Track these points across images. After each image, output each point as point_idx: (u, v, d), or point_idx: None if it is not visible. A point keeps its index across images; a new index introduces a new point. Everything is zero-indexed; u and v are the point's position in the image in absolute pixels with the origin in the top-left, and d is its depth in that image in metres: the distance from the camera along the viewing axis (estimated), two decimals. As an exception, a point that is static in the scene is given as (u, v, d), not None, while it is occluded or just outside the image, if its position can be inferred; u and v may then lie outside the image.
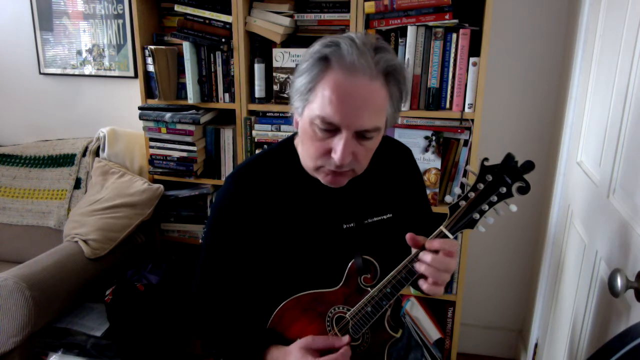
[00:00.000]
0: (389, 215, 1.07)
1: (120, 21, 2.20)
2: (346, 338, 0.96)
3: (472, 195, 0.89)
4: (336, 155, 0.88)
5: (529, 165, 0.86)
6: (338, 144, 0.88)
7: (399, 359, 1.19)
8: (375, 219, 1.05)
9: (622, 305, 0.96)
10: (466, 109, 1.66)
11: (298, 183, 1.01)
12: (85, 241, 1.80)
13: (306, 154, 0.95)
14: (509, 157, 0.87)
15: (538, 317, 1.81)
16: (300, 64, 0.92)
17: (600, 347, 0.78)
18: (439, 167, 1.74)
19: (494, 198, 0.88)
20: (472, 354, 2.18)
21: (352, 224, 1.04)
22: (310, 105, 0.89)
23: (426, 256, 0.88)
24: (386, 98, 0.88)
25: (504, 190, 0.87)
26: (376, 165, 1.01)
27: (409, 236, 0.91)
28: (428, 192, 1.74)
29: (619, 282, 0.84)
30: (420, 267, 0.89)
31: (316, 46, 0.89)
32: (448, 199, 0.92)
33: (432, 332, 1.90)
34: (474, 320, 2.18)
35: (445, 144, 1.75)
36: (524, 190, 0.87)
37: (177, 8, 1.84)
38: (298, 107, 0.93)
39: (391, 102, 0.90)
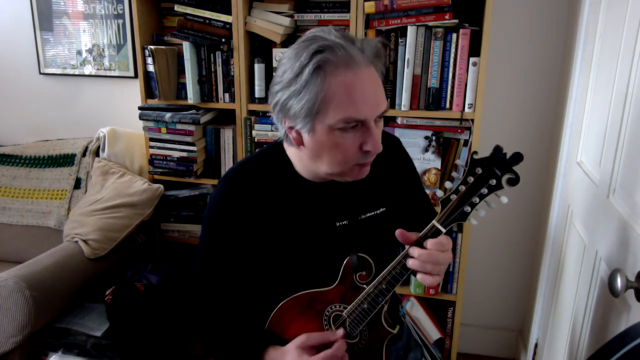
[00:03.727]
0: (382, 210, 1.07)
1: (120, 21, 2.20)
2: (340, 331, 0.96)
3: (462, 188, 0.89)
4: (372, 146, 0.89)
5: (517, 157, 0.87)
6: (368, 136, 0.89)
7: (399, 358, 1.19)
8: (368, 214, 1.05)
9: (622, 305, 0.96)
10: (466, 109, 1.66)
11: (289, 184, 1.02)
12: (85, 241, 1.80)
13: (333, 162, 0.92)
14: (498, 150, 0.88)
15: (538, 317, 1.81)
16: (285, 84, 0.88)
17: (600, 347, 0.78)
18: (439, 167, 1.74)
19: (485, 190, 0.88)
20: (472, 354, 2.19)
21: (345, 221, 1.04)
22: (323, 117, 0.86)
23: (414, 251, 0.90)
24: (380, 78, 0.91)
25: (493, 182, 0.88)
26: None
27: (398, 232, 0.92)
28: (428, 192, 1.74)
29: (619, 282, 0.84)
30: (409, 263, 0.91)
31: (302, 59, 0.85)
32: (439, 193, 0.93)
33: (432, 332, 1.90)
34: (474, 320, 2.18)
35: (445, 144, 1.75)
36: (514, 181, 0.87)
37: (177, 8, 1.84)
38: (303, 127, 0.89)
39: (382, 79, 0.92)
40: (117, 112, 2.33)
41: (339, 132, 0.88)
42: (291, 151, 1.01)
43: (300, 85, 0.86)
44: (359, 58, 0.86)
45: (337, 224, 1.03)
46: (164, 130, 1.95)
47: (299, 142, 0.94)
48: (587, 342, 1.16)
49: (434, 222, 0.91)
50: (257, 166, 1.04)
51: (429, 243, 0.90)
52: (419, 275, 0.92)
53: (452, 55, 1.63)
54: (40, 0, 2.28)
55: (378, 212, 1.06)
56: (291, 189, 1.02)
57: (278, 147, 1.05)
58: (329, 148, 0.90)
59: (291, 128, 0.92)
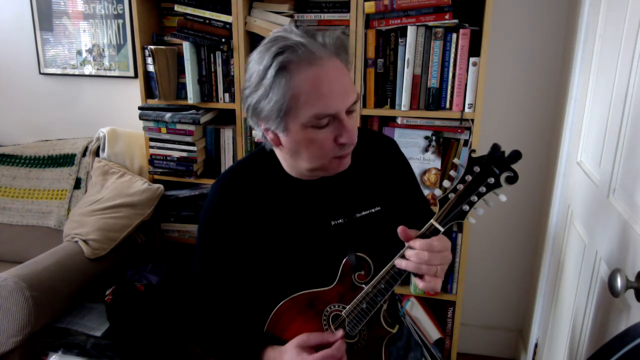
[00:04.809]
0: (377, 209, 1.07)
1: (120, 21, 2.20)
2: (339, 332, 0.97)
3: (460, 187, 0.89)
4: (347, 137, 0.89)
5: (515, 155, 0.86)
6: (342, 129, 0.89)
7: (399, 358, 1.19)
8: (364, 212, 1.05)
9: (622, 305, 0.96)
10: (466, 109, 1.66)
11: (281, 184, 1.02)
12: (85, 241, 1.80)
13: (311, 157, 0.93)
14: (496, 148, 0.87)
15: (538, 317, 1.82)
16: (253, 88, 0.89)
17: (600, 347, 0.78)
18: (439, 167, 1.74)
19: (483, 189, 0.88)
20: (472, 354, 2.19)
21: (340, 220, 1.03)
22: (294, 116, 0.87)
23: (407, 251, 0.90)
24: (346, 68, 0.91)
25: (492, 180, 0.87)
26: (361, 159, 1.00)
27: (400, 229, 0.91)
28: (427, 192, 1.75)
29: (619, 282, 0.84)
30: (401, 264, 0.90)
31: (265, 61, 0.86)
32: (437, 192, 0.92)
33: (432, 332, 1.90)
34: (474, 320, 2.18)
35: (445, 144, 1.75)
36: (512, 179, 0.86)
37: (177, 8, 1.84)
38: (277, 127, 0.90)
39: (348, 69, 0.92)
40: (117, 112, 2.33)
41: (312, 129, 0.88)
42: (276, 151, 1.02)
43: (267, 87, 0.87)
44: (321, 53, 0.86)
45: (333, 223, 1.03)
46: (164, 130, 1.95)
47: (277, 143, 0.95)
48: (587, 342, 1.16)
49: (432, 221, 0.91)
50: (248, 168, 1.05)
51: (417, 243, 0.89)
52: (420, 284, 0.90)
53: (452, 55, 1.63)
54: (40, 0, 2.28)
55: (373, 210, 1.06)
56: (283, 189, 1.02)
57: (267, 149, 1.05)
58: (305, 145, 0.91)
59: (267, 129, 0.93)
